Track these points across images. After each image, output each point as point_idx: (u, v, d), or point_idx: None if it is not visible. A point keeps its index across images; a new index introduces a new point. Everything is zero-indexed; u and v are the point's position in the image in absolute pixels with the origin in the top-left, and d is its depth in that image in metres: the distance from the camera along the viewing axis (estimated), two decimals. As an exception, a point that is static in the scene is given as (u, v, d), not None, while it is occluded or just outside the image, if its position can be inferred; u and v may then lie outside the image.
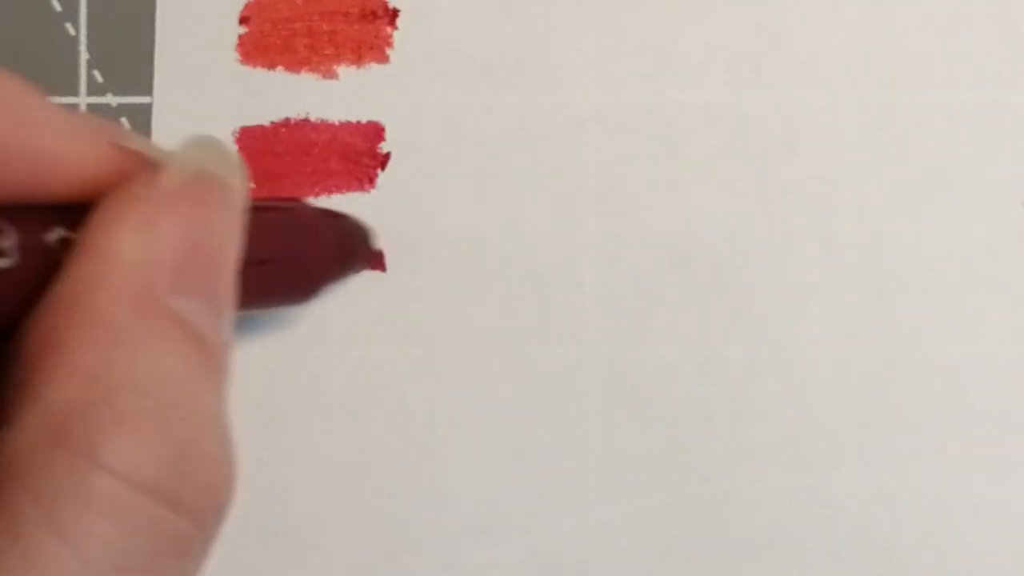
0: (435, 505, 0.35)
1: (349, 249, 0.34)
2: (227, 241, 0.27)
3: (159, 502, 0.24)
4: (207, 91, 0.35)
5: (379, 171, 0.35)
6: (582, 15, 0.35)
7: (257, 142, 0.35)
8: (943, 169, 0.35)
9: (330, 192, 0.35)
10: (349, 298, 0.35)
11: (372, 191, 0.35)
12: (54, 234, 0.26)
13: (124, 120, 0.35)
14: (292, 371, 0.35)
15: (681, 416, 0.35)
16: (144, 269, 0.25)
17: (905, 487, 0.35)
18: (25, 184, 0.26)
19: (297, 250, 0.32)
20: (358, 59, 0.35)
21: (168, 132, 0.35)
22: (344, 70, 0.35)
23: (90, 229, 0.26)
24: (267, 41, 0.36)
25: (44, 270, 0.25)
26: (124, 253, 0.25)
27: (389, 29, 0.36)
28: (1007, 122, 0.35)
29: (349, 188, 0.35)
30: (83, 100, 0.35)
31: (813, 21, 0.35)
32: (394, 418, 0.35)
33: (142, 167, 0.26)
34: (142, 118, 0.35)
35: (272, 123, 0.35)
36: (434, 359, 0.35)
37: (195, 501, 0.25)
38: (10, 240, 0.25)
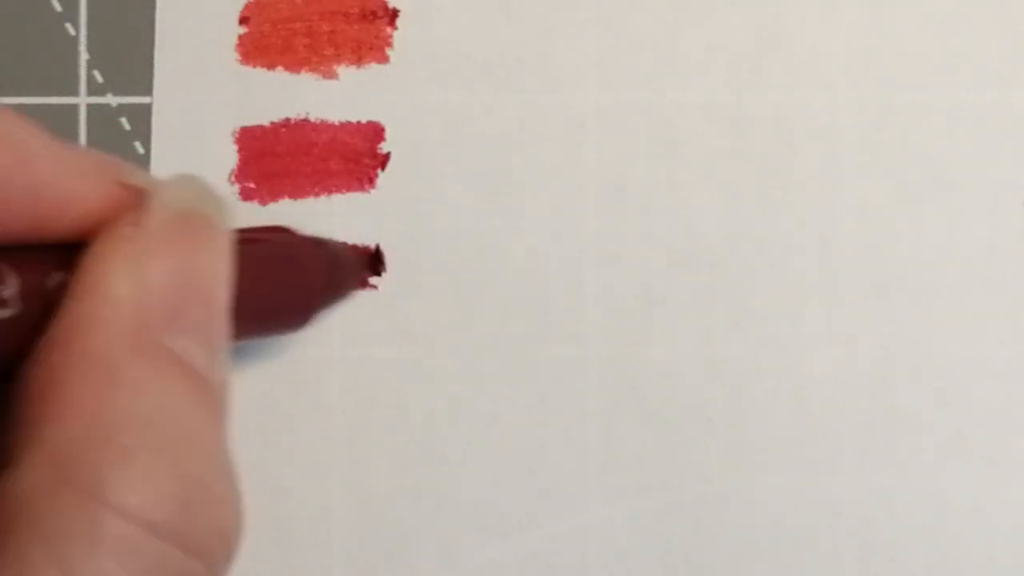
0: (435, 505, 0.35)
1: (339, 275, 0.34)
2: (217, 278, 0.27)
3: (169, 542, 0.24)
4: (207, 91, 0.35)
5: (379, 171, 0.35)
6: (582, 15, 0.35)
7: (257, 142, 0.35)
8: (943, 169, 0.35)
9: (330, 192, 0.35)
10: (349, 298, 0.35)
11: (372, 191, 0.35)
12: (54, 279, 0.26)
13: (124, 120, 0.35)
14: (292, 371, 0.35)
15: (681, 416, 0.35)
16: (137, 308, 0.25)
17: (905, 487, 0.35)
18: (28, 224, 0.25)
19: (288, 280, 0.32)
20: (358, 59, 0.35)
21: (168, 132, 0.35)
22: (344, 70, 0.35)
23: (83, 269, 0.25)
24: (267, 41, 0.36)
25: (44, 314, 0.25)
26: (117, 293, 0.25)
27: (389, 29, 0.36)
28: (1007, 122, 0.35)
29: (349, 188, 0.35)
30: (83, 100, 0.35)
31: (813, 21, 0.35)
32: (394, 418, 0.35)
33: (135, 205, 0.26)
34: (142, 118, 0.35)
35: (272, 123, 0.35)
36: (434, 359, 0.35)
37: (205, 541, 0.24)
38: (11, 288, 0.25)
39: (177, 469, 0.24)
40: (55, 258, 0.26)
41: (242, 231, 0.29)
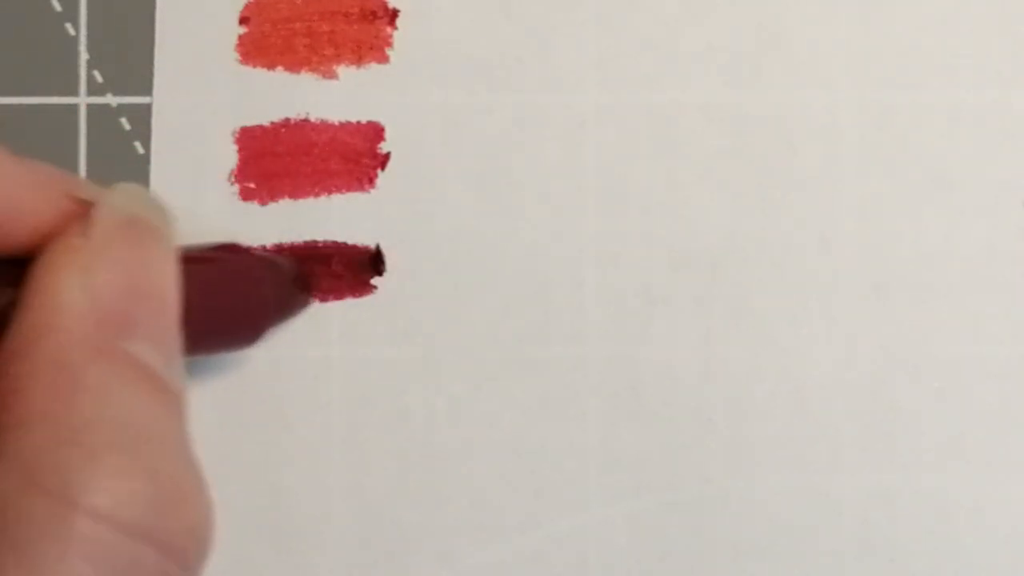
0: (435, 505, 0.35)
1: (289, 292, 0.34)
2: (166, 282, 0.27)
3: (142, 541, 0.24)
4: (207, 91, 0.35)
5: (379, 171, 0.35)
6: (582, 15, 0.35)
7: (257, 142, 0.35)
8: (943, 169, 0.35)
9: (330, 192, 0.35)
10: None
11: (372, 191, 0.35)
12: (5, 296, 0.26)
13: (124, 120, 0.35)
14: (292, 371, 0.35)
15: (681, 416, 0.35)
16: (91, 314, 0.25)
17: (905, 487, 0.35)
18: None
19: (239, 298, 0.32)
20: (358, 59, 0.35)
21: (168, 132, 0.35)
22: (344, 70, 0.35)
23: (35, 281, 0.25)
24: (267, 41, 0.36)
25: None
26: (71, 301, 0.25)
27: (389, 29, 0.36)
28: (1007, 122, 0.35)
29: (349, 188, 0.35)
30: (83, 100, 0.35)
31: (813, 21, 0.35)
32: (394, 418, 0.35)
33: (80, 215, 0.26)
34: (142, 118, 0.35)
35: (272, 123, 0.35)
36: (434, 359, 0.35)
37: (177, 540, 0.24)
38: None
39: (145, 468, 0.24)
40: (4, 274, 0.26)
41: (194, 248, 0.29)
